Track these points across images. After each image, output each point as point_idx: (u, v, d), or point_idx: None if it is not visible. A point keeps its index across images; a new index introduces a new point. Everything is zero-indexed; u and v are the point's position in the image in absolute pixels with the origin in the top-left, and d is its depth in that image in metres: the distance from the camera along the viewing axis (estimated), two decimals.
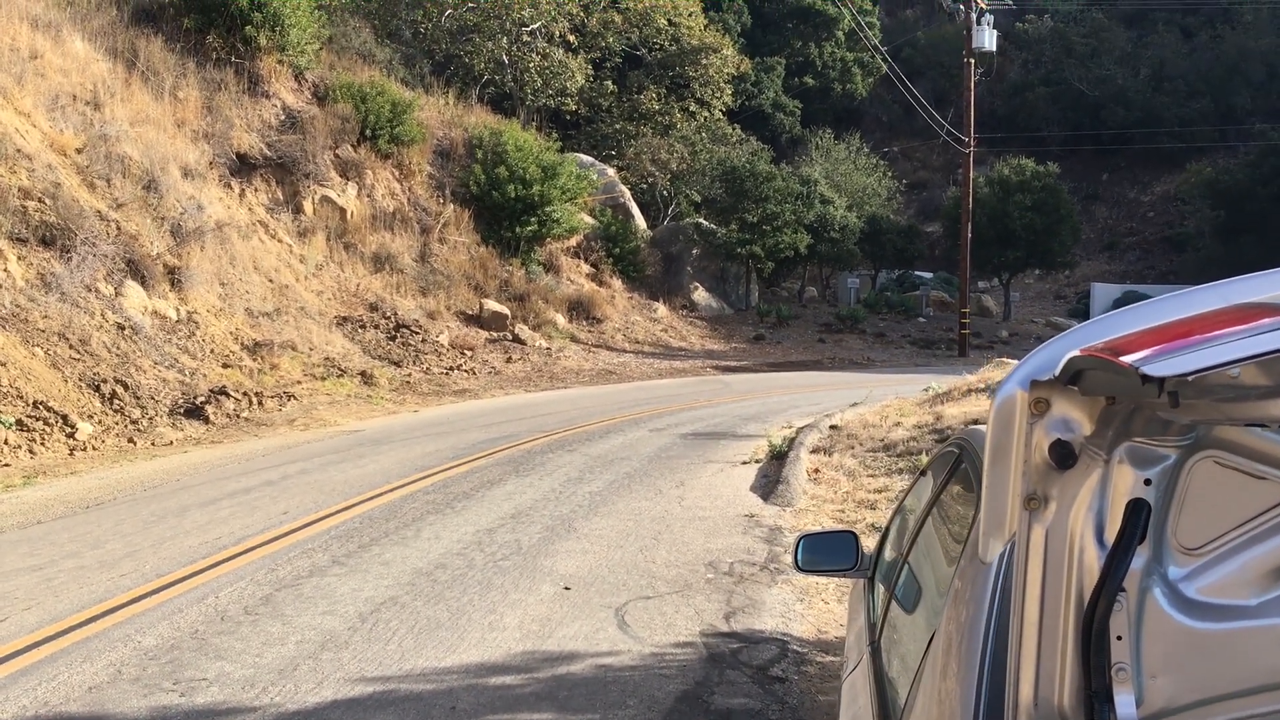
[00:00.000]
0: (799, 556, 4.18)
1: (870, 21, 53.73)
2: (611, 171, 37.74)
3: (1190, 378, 1.25)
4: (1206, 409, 1.36)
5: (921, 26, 60.25)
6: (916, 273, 45.15)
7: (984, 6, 36.17)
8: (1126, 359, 1.31)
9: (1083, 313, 43.99)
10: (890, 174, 47.99)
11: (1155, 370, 1.27)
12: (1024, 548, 1.61)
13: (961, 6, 35.90)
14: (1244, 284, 1.66)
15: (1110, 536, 1.57)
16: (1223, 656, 1.63)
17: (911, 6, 62.82)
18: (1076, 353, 1.47)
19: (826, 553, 4.18)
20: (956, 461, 3.27)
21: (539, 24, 37.83)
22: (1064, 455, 1.54)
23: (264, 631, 6.53)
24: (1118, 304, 42.56)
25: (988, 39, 36.13)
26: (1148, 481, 1.55)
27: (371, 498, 10.54)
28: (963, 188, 36.83)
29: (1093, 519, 1.58)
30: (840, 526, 9.19)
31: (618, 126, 41.87)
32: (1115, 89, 52.89)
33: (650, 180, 39.92)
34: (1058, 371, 1.51)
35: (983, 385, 17.11)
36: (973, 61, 35.76)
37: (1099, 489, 1.57)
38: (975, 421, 12.77)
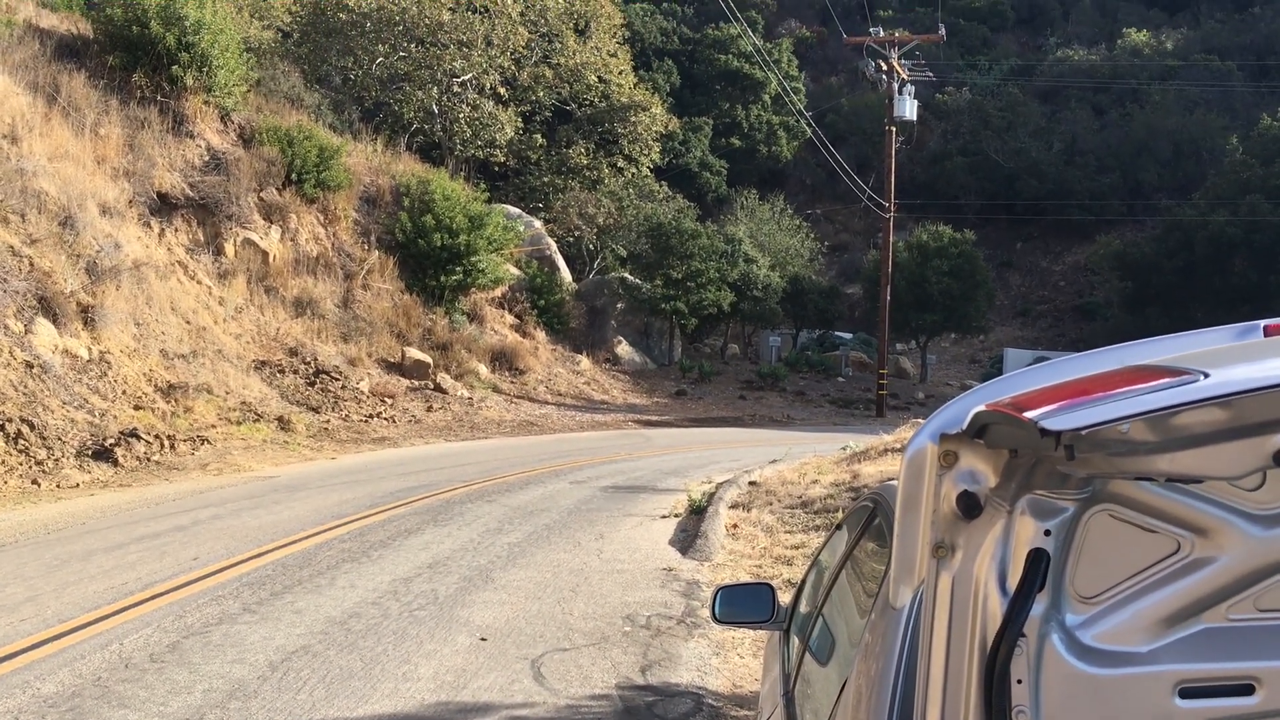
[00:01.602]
0: (716, 608, 4.23)
1: (796, 87, 54.94)
2: (538, 224, 37.89)
3: (1084, 432, 1.34)
4: (1100, 463, 1.45)
5: (845, 94, 61.68)
6: (836, 333, 45.86)
7: (905, 77, 37.25)
8: (1028, 414, 1.40)
9: (996, 376, 44.93)
10: (813, 235, 48.85)
11: (1052, 424, 1.35)
12: (931, 594, 1.69)
13: (884, 76, 36.91)
14: (1138, 348, 1.78)
15: (1012, 584, 1.65)
16: (1115, 701, 1.71)
17: (836, 74, 64.33)
18: (982, 407, 1.56)
19: (743, 604, 4.24)
20: (870, 516, 3.36)
21: (470, 75, 38.03)
22: (970, 506, 1.62)
23: (170, 680, 6.37)
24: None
25: (909, 108, 37.16)
26: (1047, 532, 1.63)
27: (285, 545, 10.36)
28: (882, 251, 37.63)
29: (996, 567, 1.66)
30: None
31: (546, 179, 42.13)
32: (1029, 161, 54.60)
33: (577, 234, 40.14)
34: (965, 425, 1.59)
35: (898, 445, 17.39)
36: (894, 129, 36.72)
37: (1002, 538, 1.65)
38: (892, 479, 12.97)
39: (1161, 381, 1.43)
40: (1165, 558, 1.69)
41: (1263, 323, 1.87)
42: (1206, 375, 1.42)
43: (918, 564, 1.69)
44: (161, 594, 8.31)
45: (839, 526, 4.17)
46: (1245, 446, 1.40)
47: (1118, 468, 1.45)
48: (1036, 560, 1.63)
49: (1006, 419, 1.48)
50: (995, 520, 1.64)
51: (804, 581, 4.43)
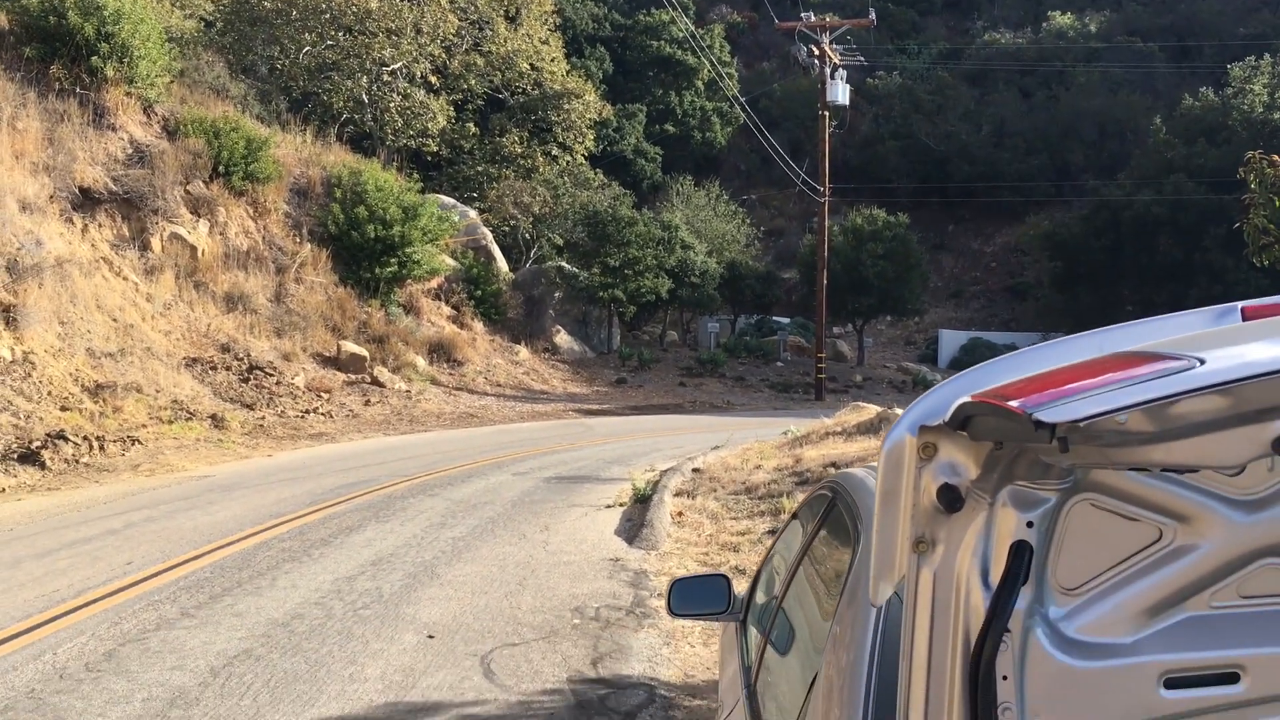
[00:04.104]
0: (671, 601, 4.18)
1: (729, 72, 55.05)
2: (473, 213, 37.56)
3: (1081, 424, 1.29)
4: (1092, 454, 1.41)
5: (778, 79, 61.97)
6: (774, 318, 46.11)
7: (837, 62, 37.46)
8: (1018, 405, 1.35)
9: (931, 358, 45.59)
10: (749, 221, 49.05)
11: (1048, 416, 1.30)
12: (913, 591, 1.63)
13: (816, 61, 37.08)
14: (1119, 333, 1.74)
15: (995, 578, 1.61)
16: (1100, 694, 1.67)
17: (768, 59, 64.58)
18: (967, 399, 1.50)
19: (699, 597, 4.19)
20: (829, 506, 3.32)
21: (400, 64, 37.53)
22: (951, 499, 1.57)
23: (107, 689, 6.18)
24: (964, 350, 44.34)
25: (841, 93, 37.40)
26: (1030, 524, 1.59)
27: (223, 546, 10.13)
28: (818, 236, 37.87)
29: (978, 561, 1.61)
30: (708, 570, 9.24)
31: (480, 169, 41.77)
32: (960, 144, 55.30)
33: (512, 223, 39.87)
34: (947, 417, 1.53)
35: (839, 429, 17.52)
36: (827, 114, 36.93)
37: (984, 532, 1.60)
38: (834, 464, 13.05)
39: (1156, 368, 1.38)
40: (1147, 546, 1.65)
41: (1240, 305, 1.84)
42: (1202, 361, 1.37)
43: (898, 559, 1.63)
44: (95, 600, 8.07)
45: (794, 516, 4.13)
46: (1243, 435, 1.36)
47: (1111, 459, 1.41)
48: (1019, 553, 1.59)
49: (994, 410, 1.43)
50: (977, 513, 1.59)
51: (760, 571, 4.39)
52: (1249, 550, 1.67)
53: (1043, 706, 1.66)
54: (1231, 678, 1.70)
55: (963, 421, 1.51)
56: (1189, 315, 1.82)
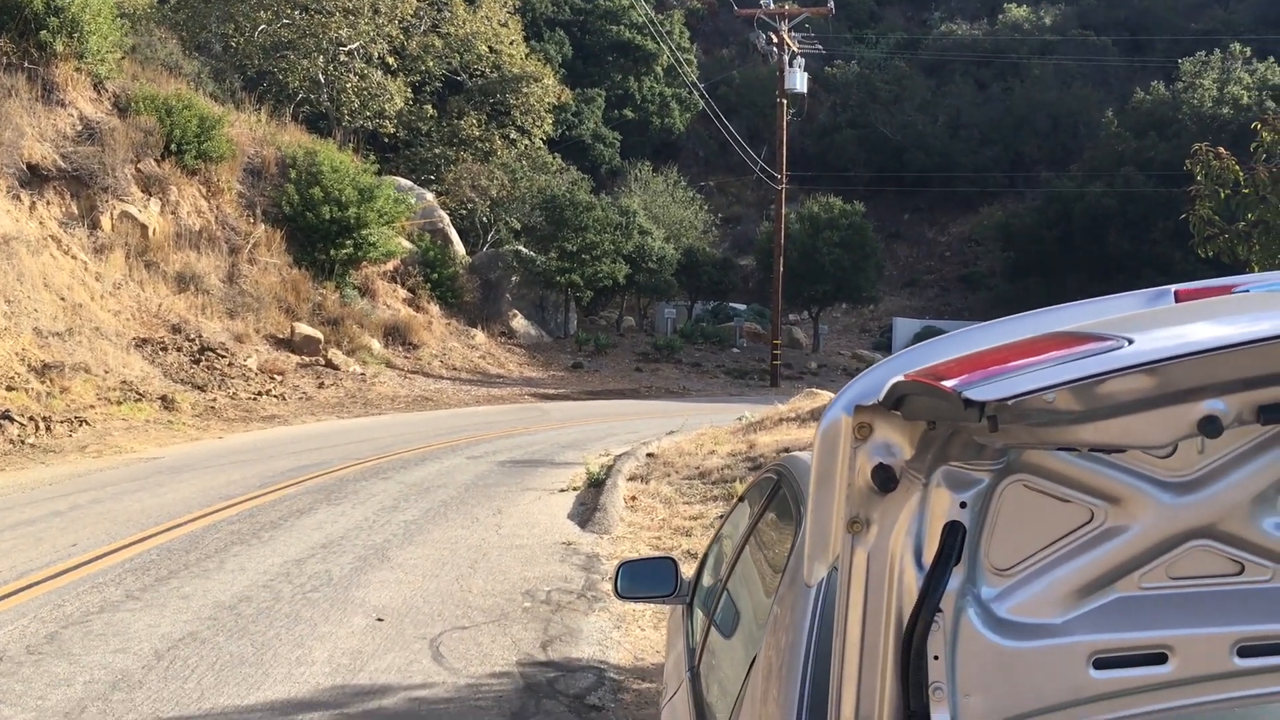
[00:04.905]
0: (618, 583, 4.18)
1: (688, 58, 54.94)
2: (430, 196, 37.26)
3: (1010, 402, 1.30)
4: (1022, 433, 1.42)
5: (737, 66, 61.96)
6: (731, 304, 46.23)
7: (795, 50, 37.54)
8: (949, 384, 1.36)
9: (886, 345, 45.95)
10: (706, 207, 49.07)
11: (977, 395, 1.31)
12: (846, 570, 1.64)
13: (775, 49, 37.13)
14: (1052, 314, 1.75)
15: (928, 558, 1.62)
16: (1030, 674, 1.69)
17: (728, 46, 64.55)
18: (900, 378, 1.51)
19: (646, 579, 4.19)
20: (774, 488, 3.33)
21: (357, 44, 37.11)
22: (885, 479, 1.58)
23: (48, 672, 6.09)
24: (918, 338, 44.59)
25: (799, 81, 37.49)
26: (963, 504, 1.60)
27: (171, 528, 10.01)
28: (775, 223, 38.00)
29: (912, 541, 1.62)
30: (658, 553, 9.26)
31: (437, 151, 41.41)
32: (916, 134, 55.63)
33: (470, 206, 39.61)
34: (881, 396, 1.54)
35: (794, 414, 17.61)
36: (785, 102, 37.03)
37: (918, 512, 1.61)
38: (787, 449, 13.11)
39: (1085, 348, 1.39)
40: (1079, 527, 1.67)
41: (1173, 288, 1.87)
42: (1130, 341, 1.39)
43: (832, 539, 1.64)
44: (37, 583, 7.96)
45: (741, 499, 4.15)
46: (1170, 414, 1.38)
47: (1040, 438, 1.42)
48: (952, 533, 1.60)
49: (926, 389, 1.44)
50: (911, 493, 1.60)
51: (706, 554, 4.41)
52: (1179, 532, 1.69)
53: (973, 686, 1.68)
54: (1160, 658, 1.73)
55: (897, 401, 1.53)
56: (1125, 298, 1.84)
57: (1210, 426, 1.39)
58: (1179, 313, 1.70)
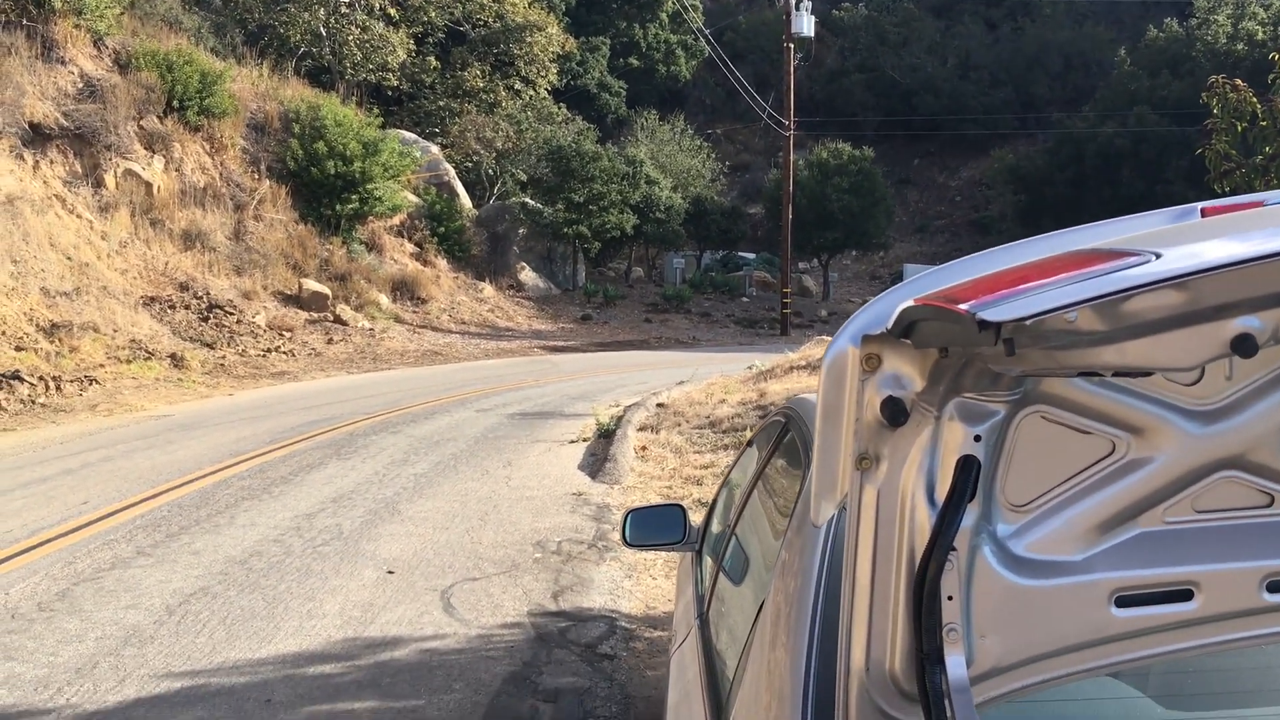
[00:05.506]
0: (627, 531, 4.13)
1: (694, 4, 54.22)
2: (435, 149, 37.01)
3: (1028, 322, 1.21)
4: (1040, 357, 1.33)
5: (743, 11, 61.18)
6: (740, 253, 45.95)
7: None
8: (962, 306, 1.26)
9: None
10: (714, 156, 48.62)
11: (992, 315, 1.22)
12: (855, 509, 1.56)
13: None
14: (1077, 234, 1.65)
15: (941, 495, 1.54)
16: (1049, 613, 1.62)
17: None
18: (910, 303, 1.42)
19: (654, 527, 4.14)
20: (783, 431, 3.26)
21: None
22: (896, 412, 1.49)
23: (60, 629, 6.10)
24: None
25: (806, 25, 36.97)
26: (978, 438, 1.51)
27: (181, 484, 10.02)
28: (783, 170, 37.65)
29: (924, 477, 1.54)
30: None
31: (441, 103, 41.04)
32: (925, 77, 54.93)
33: (475, 159, 39.33)
34: (890, 324, 1.45)
35: (804, 363, 17.53)
36: (792, 46, 36.53)
37: (930, 446, 1.52)
38: (800, 393, 13.05)
39: (1110, 264, 1.29)
40: (1100, 460, 1.59)
41: (1199, 205, 1.77)
42: (1159, 256, 1.29)
43: (840, 478, 1.56)
44: (49, 540, 7.96)
45: (750, 444, 4.07)
46: (1201, 333, 1.29)
47: (1060, 362, 1.33)
48: (966, 468, 1.51)
49: (937, 313, 1.34)
50: (922, 427, 1.51)
51: (715, 501, 4.35)
52: (1205, 463, 1.61)
53: (990, 627, 1.61)
54: (1185, 595, 1.65)
55: (907, 329, 1.43)
56: (1149, 216, 1.74)
57: (1245, 345, 1.29)
58: (1208, 227, 1.60)
